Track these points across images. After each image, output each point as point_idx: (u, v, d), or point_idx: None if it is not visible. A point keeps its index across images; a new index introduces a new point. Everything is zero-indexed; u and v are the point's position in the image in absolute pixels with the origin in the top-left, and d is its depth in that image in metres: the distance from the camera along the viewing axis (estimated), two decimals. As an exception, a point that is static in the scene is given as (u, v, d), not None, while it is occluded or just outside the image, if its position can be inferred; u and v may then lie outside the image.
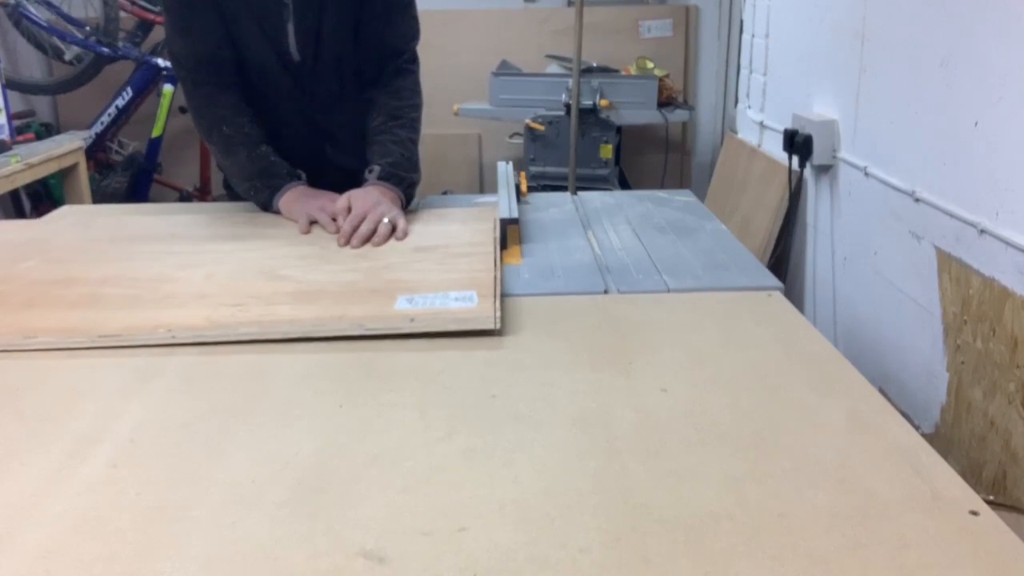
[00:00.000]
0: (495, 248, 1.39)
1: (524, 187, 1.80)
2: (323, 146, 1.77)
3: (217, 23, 1.59)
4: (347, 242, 1.44)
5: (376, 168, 1.59)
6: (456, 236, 1.46)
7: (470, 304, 1.15)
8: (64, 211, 1.83)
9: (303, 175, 1.65)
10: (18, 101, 3.88)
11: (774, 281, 1.31)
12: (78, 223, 1.64)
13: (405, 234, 1.47)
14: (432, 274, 1.28)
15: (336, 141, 1.78)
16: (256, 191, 1.63)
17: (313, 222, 1.53)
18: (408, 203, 1.66)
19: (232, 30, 1.60)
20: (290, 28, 1.61)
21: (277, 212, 1.61)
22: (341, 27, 1.64)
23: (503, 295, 1.26)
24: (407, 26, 1.71)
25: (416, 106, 1.72)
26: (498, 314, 1.13)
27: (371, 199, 1.51)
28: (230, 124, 1.62)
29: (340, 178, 1.65)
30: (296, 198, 1.59)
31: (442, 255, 1.36)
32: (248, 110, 1.65)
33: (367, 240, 1.45)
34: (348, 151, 1.75)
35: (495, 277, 1.26)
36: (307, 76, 1.67)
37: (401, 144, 1.64)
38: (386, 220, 1.47)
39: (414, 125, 1.70)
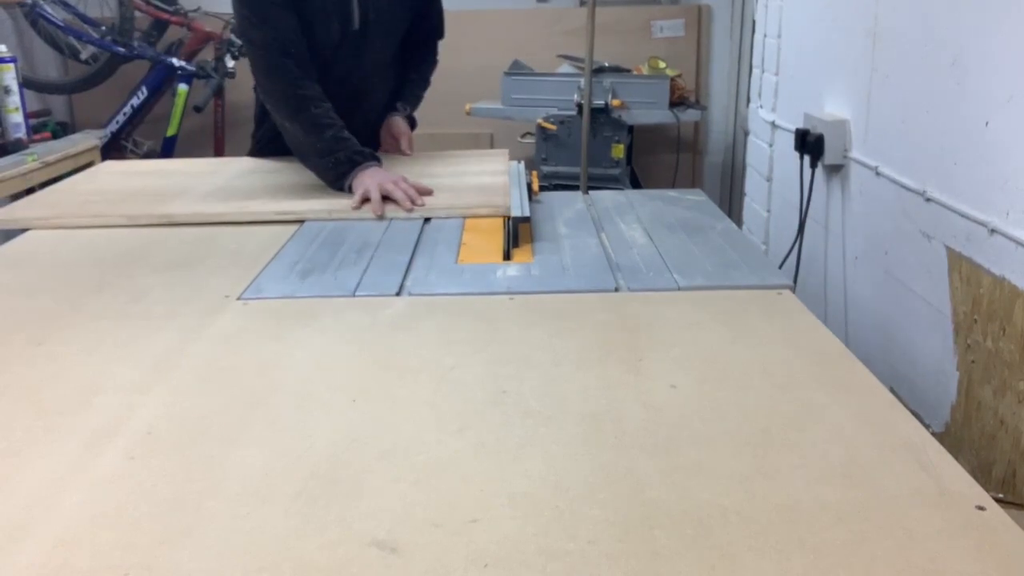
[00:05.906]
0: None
1: (536, 186, 1.81)
2: (357, 105, 2.02)
3: (292, 15, 1.80)
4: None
5: (407, 109, 2.17)
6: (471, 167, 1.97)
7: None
8: (105, 166, 2.15)
9: (380, 158, 1.87)
10: (34, 100, 3.91)
11: (784, 279, 1.31)
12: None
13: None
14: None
15: (370, 103, 2.09)
16: (337, 163, 1.81)
17: (386, 197, 1.71)
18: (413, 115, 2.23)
19: (303, 8, 1.82)
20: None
21: (347, 189, 1.79)
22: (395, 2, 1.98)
23: (516, 292, 1.28)
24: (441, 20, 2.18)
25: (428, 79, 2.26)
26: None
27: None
28: (319, 106, 1.82)
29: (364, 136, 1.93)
30: (372, 174, 1.78)
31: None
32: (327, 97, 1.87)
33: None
34: (376, 112, 2.13)
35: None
36: (361, 42, 1.94)
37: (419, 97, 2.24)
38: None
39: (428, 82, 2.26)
